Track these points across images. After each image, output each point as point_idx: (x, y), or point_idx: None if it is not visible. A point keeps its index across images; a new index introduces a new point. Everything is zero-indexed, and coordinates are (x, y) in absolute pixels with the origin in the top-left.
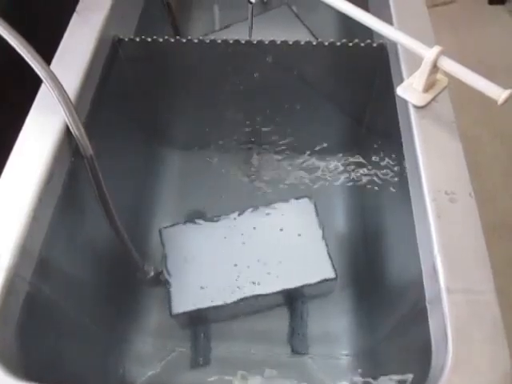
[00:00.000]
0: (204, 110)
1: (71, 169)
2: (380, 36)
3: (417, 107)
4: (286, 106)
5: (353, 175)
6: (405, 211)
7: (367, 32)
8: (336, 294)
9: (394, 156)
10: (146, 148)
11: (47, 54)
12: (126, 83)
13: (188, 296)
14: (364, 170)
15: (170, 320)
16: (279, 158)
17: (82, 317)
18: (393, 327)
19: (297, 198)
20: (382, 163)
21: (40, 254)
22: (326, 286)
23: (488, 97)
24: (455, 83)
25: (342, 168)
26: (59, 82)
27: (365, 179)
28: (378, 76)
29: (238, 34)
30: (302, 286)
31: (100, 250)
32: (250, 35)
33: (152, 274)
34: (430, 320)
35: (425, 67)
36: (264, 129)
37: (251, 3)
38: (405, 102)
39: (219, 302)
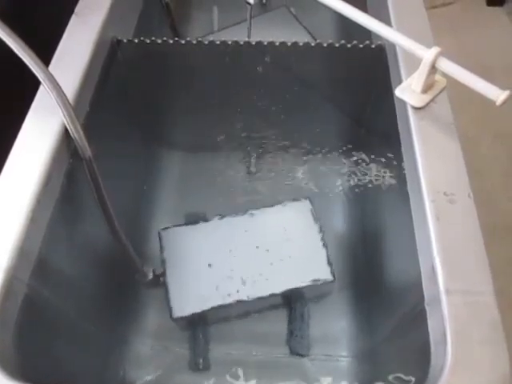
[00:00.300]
0: (203, 112)
1: (70, 170)
2: (378, 37)
3: (415, 108)
4: (284, 107)
5: (351, 176)
6: (404, 212)
7: (366, 33)
8: (335, 296)
9: (392, 157)
10: (144, 149)
11: (46, 55)
12: (125, 84)
13: (187, 298)
14: (363, 171)
15: (169, 322)
16: (278, 159)
17: (80, 319)
18: (392, 329)
19: (296, 200)
20: (381, 164)
21: (38, 256)
22: (324, 287)
23: (486, 98)
24: (454, 84)
25: (340, 169)
26: (57, 84)
27: (363, 180)
28: (377, 77)
29: (236, 35)
30: (301, 288)
31: (99, 251)
32: (249, 36)
33: (151, 275)
34: (429, 321)
35: (423, 68)
36: (263, 130)
37: (250, 4)
38: (403, 103)
39: (218, 304)
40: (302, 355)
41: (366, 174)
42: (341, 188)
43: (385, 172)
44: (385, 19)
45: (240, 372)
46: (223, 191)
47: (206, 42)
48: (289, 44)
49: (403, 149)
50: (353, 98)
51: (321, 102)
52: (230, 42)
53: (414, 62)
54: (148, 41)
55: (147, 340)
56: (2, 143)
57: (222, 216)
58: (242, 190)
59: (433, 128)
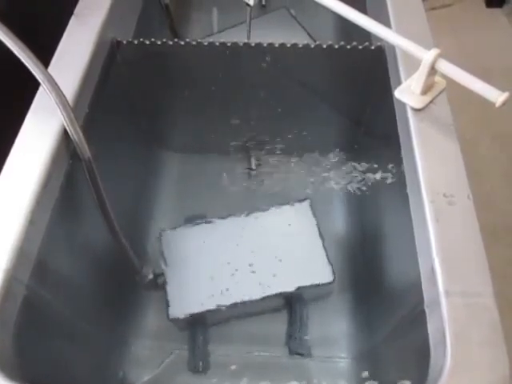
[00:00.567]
0: (203, 113)
1: (69, 172)
2: (378, 38)
3: (415, 110)
4: (284, 108)
5: (351, 178)
6: (403, 214)
7: (365, 35)
8: (335, 297)
9: (392, 158)
10: (144, 150)
11: (45, 56)
12: (125, 86)
13: (186, 299)
14: (362, 173)
15: (168, 323)
16: (278, 160)
17: (80, 320)
18: (391, 330)
19: (295, 201)
20: (381, 166)
21: (37, 257)
22: (324, 288)
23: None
24: (453, 85)
25: (340, 171)
26: (57, 85)
27: (363, 182)
28: (376, 78)
29: (236, 36)
30: (301, 289)
31: (98, 252)
32: (249, 38)
33: (150, 276)
34: (428, 323)
35: (423, 70)
36: (263, 131)
37: (249, 6)
38: (403, 104)
39: (218, 306)
40: (301, 354)
41: (366, 176)
42: (341, 189)
43: (384, 173)
44: (384, 21)
45: (240, 373)
46: (223, 192)
47: (206, 44)
48: (288, 45)
49: (403, 150)
50: (352, 99)
51: (320, 103)
52: (229, 44)
53: (414, 63)
54: (147, 42)
55: (147, 341)
56: (1, 144)
57: (222, 217)
58: (241, 191)
59: (432, 129)
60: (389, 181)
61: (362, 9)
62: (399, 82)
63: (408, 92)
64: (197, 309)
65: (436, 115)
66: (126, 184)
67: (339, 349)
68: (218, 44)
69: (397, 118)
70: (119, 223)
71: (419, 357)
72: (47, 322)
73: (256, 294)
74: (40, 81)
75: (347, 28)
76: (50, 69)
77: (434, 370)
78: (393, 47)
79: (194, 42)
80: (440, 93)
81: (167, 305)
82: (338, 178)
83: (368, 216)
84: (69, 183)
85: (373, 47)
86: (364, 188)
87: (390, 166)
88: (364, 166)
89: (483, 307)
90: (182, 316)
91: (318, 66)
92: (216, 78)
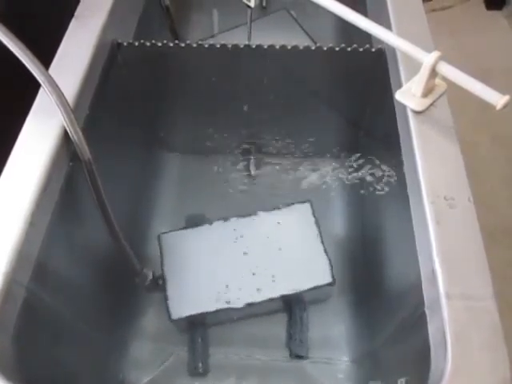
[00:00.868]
0: (203, 114)
1: (69, 173)
2: (379, 41)
3: (415, 112)
4: (284, 110)
5: (351, 180)
6: (404, 216)
7: (366, 37)
8: (335, 299)
9: (392, 161)
10: (144, 152)
11: (46, 58)
12: (125, 87)
13: (186, 301)
14: (363, 175)
15: (168, 324)
16: (278, 162)
17: (79, 322)
18: (392, 332)
19: (295, 203)
20: (381, 168)
21: (37, 259)
22: (324, 290)
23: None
24: (453, 87)
25: (340, 173)
26: (57, 87)
27: (363, 184)
28: (377, 81)
29: (236, 38)
30: (301, 291)
31: (98, 254)
32: (249, 39)
33: (150, 278)
34: (429, 325)
35: (424, 72)
36: (263, 133)
37: (250, 8)
38: (403, 106)
39: (217, 308)
40: (301, 357)
41: (366, 178)
42: (341, 191)
43: (385, 176)
44: (385, 23)
45: (239, 376)
46: (223, 194)
47: (206, 45)
48: (289, 47)
49: (403, 152)
50: (353, 101)
51: (321, 105)
52: (229, 46)
53: (414, 65)
54: (148, 44)
55: (146, 343)
56: (2, 145)
57: (222, 219)
58: (241, 192)
59: (433, 132)
60: (389, 183)
61: (363, 11)
62: (400, 84)
63: (409, 94)
64: (197, 310)
65: (436, 117)
66: (126, 185)
67: (339, 351)
68: (218, 46)
69: (397, 121)
70: (119, 224)
71: (420, 359)
72: (47, 325)
73: (256, 295)
74: (41, 82)
75: (348, 30)
76: (51, 70)
77: (435, 373)
78: (393, 49)
79: (194, 44)
80: (441, 95)
81: (168, 306)
82: (339, 179)
83: (368, 218)
84: (69, 185)
85: (373, 49)
86: (364, 190)
87: (391, 168)
88: (364, 168)
89: (484, 309)
90: (182, 316)
91: (318, 68)
92: (216, 80)
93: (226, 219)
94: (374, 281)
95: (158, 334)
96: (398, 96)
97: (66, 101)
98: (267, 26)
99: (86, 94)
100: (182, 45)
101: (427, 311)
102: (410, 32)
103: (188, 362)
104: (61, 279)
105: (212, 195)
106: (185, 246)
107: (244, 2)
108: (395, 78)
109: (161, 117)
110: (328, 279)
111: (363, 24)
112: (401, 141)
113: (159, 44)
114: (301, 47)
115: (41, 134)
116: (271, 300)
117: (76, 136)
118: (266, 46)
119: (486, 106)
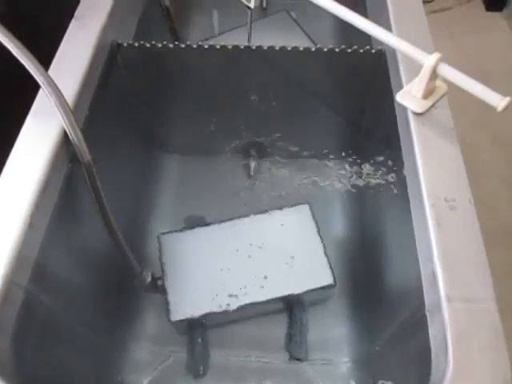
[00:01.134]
0: (203, 115)
1: (69, 174)
2: (379, 42)
3: (416, 114)
4: (284, 111)
5: (352, 181)
6: (404, 218)
7: (366, 38)
8: (335, 301)
9: (393, 162)
10: (144, 153)
11: (45, 59)
12: (125, 88)
13: (186, 302)
14: (363, 176)
15: (167, 326)
16: (278, 163)
17: (79, 323)
18: (392, 334)
19: (295, 205)
20: (382, 169)
21: (36, 261)
22: (324, 292)
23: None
24: (454, 88)
25: (340, 174)
26: (57, 88)
27: (364, 185)
28: (377, 82)
29: (236, 39)
30: (301, 293)
31: (97, 256)
32: (249, 41)
33: (150, 280)
34: (429, 328)
35: (424, 74)
36: (263, 134)
37: (250, 9)
38: (404, 108)
39: (217, 309)
40: (300, 360)
41: (367, 180)
42: (341, 193)
43: (385, 177)
44: (385, 24)
45: (239, 377)
46: (223, 195)
47: (206, 46)
48: (289, 48)
49: (404, 154)
50: (353, 102)
51: (321, 106)
52: (230, 47)
53: (415, 67)
54: (148, 45)
55: (146, 344)
56: (1, 146)
57: (221, 220)
58: (241, 193)
59: (433, 133)
60: (389, 185)
61: (363, 12)
62: (400, 86)
63: (409, 96)
64: (197, 312)
65: (437, 119)
66: (125, 186)
67: (339, 353)
68: (218, 47)
69: (398, 122)
70: (119, 226)
71: (420, 361)
72: (46, 326)
73: (256, 297)
74: (40, 83)
75: (348, 31)
76: (50, 71)
77: (436, 375)
78: (394, 51)
79: (194, 45)
80: (441, 97)
81: (167, 308)
82: (339, 181)
83: (368, 219)
84: (68, 186)
85: (373, 51)
86: (364, 192)
87: (391, 169)
88: (365, 169)
89: (484, 312)
90: (182, 318)
91: (318, 69)
92: (216, 81)
93: (225, 220)
94: (374, 283)
95: (158, 336)
96: (399, 98)
97: (66, 102)
98: (267, 27)
99: (85, 94)
100: (182, 46)
101: (428, 313)
102: (410, 33)
103: (187, 364)
104: (60, 281)
105: (211, 196)
106: (184, 247)
107: (244, 3)
108: (395, 80)
109: (160, 117)
110: (328, 281)
111: (363, 25)
112: (401, 142)
113: (159, 45)
114: (301, 48)
115: (40, 134)
116: (271, 301)
117: (75, 137)
118: (265, 47)
119: (486, 107)
